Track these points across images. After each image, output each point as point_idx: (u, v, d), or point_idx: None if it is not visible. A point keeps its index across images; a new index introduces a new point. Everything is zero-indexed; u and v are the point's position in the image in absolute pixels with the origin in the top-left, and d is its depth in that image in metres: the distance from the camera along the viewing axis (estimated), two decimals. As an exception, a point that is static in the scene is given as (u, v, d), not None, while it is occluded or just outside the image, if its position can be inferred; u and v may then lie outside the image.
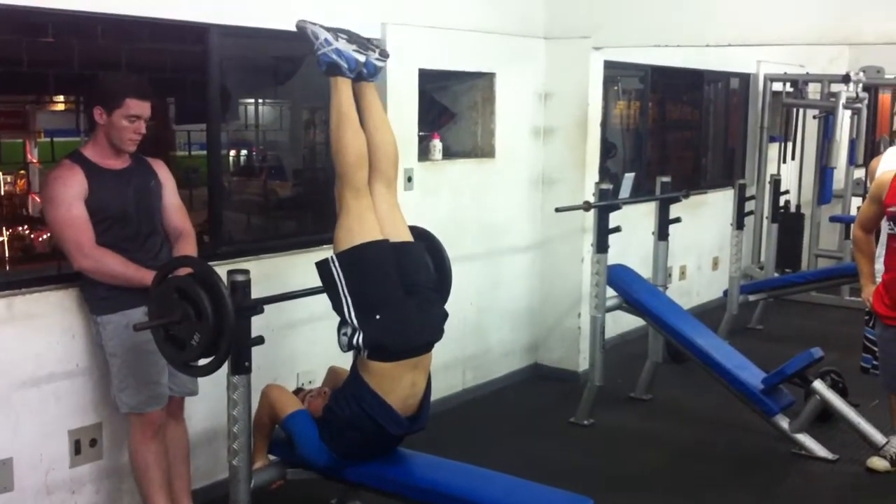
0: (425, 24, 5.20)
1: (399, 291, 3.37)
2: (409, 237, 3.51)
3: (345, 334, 3.34)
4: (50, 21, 3.74)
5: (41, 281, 3.75)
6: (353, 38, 3.49)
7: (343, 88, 3.46)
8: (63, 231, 3.49)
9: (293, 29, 3.55)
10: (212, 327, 3.10)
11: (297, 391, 3.82)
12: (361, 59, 3.45)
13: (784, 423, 5.03)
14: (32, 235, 4.41)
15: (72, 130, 4.34)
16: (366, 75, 3.52)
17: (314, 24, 3.50)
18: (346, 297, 3.32)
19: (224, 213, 4.53)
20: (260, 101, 5.16)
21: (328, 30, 3.47)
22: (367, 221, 3.38)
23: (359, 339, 3.29)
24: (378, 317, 3.30)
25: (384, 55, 3.55)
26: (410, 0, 5.20)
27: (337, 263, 3.34)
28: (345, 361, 4.03)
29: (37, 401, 3.71)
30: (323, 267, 3.38)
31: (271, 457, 3.70)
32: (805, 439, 4.98)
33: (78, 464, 3.85)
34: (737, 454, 5.04)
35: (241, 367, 3.26)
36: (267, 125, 5.30)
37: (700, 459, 4.98)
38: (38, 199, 4.40)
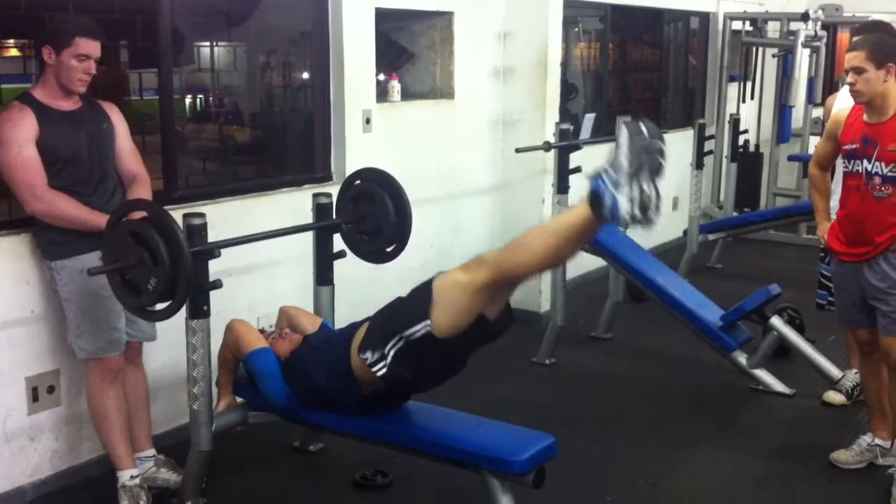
0: (382, -38, 5.11)
1: (440, 371, 3.35)
2: (496, 317, 3.26)
3: (373, 351, 3.23)
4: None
5: (-8, 227, 3.68)
6: (649, 182, 2.84)
7: (583, 216, 2.90)
8: (14, 174, 3.41)
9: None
10: (168, 271, 3.06)
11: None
12: (624, 225, 2.90)
13: (742, 358, 5.10)
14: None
15: (20, 76, 4.23)
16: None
17: (635, 140, 2.91)
18: (401, 339, 3.17)
19: (179, 159, 4.45)
20: (215, 43, 5.06)
21: (638, 173, 2.87)
22: (472, 315, 3.11)
23: (380, 370, 3.21)
24: (409, 376, 3.24)
25: (652, 222, 2.78)
26: (367, -63, 5.10)
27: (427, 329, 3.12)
28: (297, 301, 4.04)
29: (-8, 348, 3.66)
30: (423, 295, 3.16)
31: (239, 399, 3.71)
32: (763, 374, 5.06)
33: (36, 411, 3.81)
34: (696, 390, 5.12)
35: (200, 311, 3.24)
36: (222, 68, 5.19)
37: (660, 395, 5.05)
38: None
